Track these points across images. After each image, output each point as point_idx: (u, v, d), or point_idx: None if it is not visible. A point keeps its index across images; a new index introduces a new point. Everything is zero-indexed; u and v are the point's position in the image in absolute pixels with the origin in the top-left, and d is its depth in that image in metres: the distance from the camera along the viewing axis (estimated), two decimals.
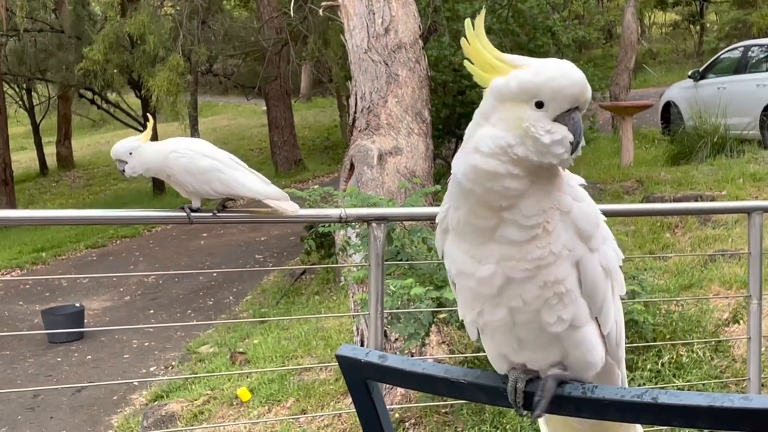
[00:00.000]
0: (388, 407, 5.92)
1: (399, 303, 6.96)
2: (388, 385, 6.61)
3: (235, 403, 9.29)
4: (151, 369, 11.83)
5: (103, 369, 11.92)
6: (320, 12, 12.01)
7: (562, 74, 1.82)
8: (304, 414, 8.37)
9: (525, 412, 1.90)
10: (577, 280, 1.93)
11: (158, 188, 26.19)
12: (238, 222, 4.50)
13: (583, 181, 2.01)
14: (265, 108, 29.04)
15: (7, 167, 25.58)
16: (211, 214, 4.40)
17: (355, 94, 10.04)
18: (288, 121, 27.68)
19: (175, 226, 20.73)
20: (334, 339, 10.39)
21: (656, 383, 7.05)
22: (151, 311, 14.71)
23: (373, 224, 4.35)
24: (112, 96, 30.83)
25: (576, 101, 1.83)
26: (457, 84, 18.85)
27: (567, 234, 1.89)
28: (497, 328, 1.95)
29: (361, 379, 1.76)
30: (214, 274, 16.31)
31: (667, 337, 7.53)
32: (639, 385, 6.97)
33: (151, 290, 16.13)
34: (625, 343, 6.47)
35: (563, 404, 1.83)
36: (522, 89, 1.82)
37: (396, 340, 8.24)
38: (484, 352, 6.01)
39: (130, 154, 4.33)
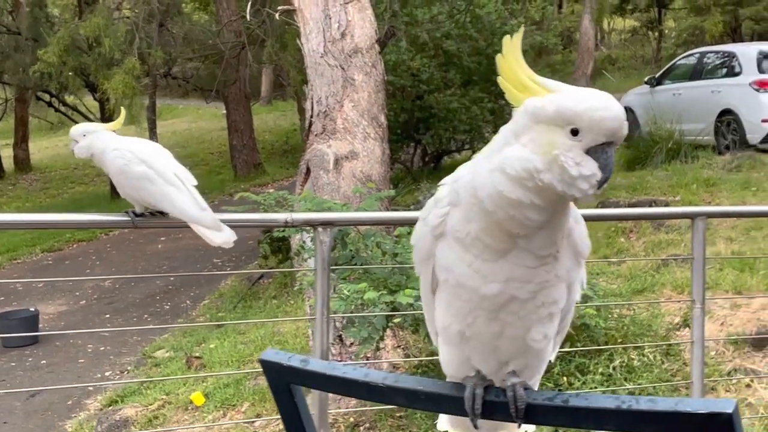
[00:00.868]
0: (342, 411, 5.92)
1: (353, 307, 6.97)
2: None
3: (189, 408, 9.27)
4: (107, 374, 11.77)
5: (58, 374, 11.83)
6: (277, 16, 11.99)
7: (603, 106, 1.75)
8: (259, 418, 8.37)
9: (478, 420, 1.88)
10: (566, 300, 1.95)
11: (116, 192, 25.94)
12: (180, 227, 4.37)
13: None
14: (225, 111, 28.96)
15: None
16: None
17: (312, 99, 10.05)
18: (247, 124, 27.61)
19: (133, 230, 20.62)
20: (290, 343, 10.39)
21: (608, 387, 7.11)
22: (107, 315, 14.62)
23: (320, 229, 4.36)
24: (69, 98, 30.60)
25: (613, 136, 1.76)
26: (416, 89, 18.92)
27: (569, 259, 1.90)
28: (480, 339, 1.93)
29: (284, 384, 1.77)
30: (172, 279, 16.25)
31: (619, 341, 7.60)
32: (591, 389, 7.03)
33: (107, 294, 16.03)
34: (578, 347, 6.48)
35: (491, 410, 1.85)
36: (559, 114, 1.75)
37: (351, 344, 8.26)
38: (437, 355, 6.02)
39: (84, 135, 4.31)
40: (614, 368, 7.38)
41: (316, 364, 1.76)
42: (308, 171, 9.70)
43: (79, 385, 10.92)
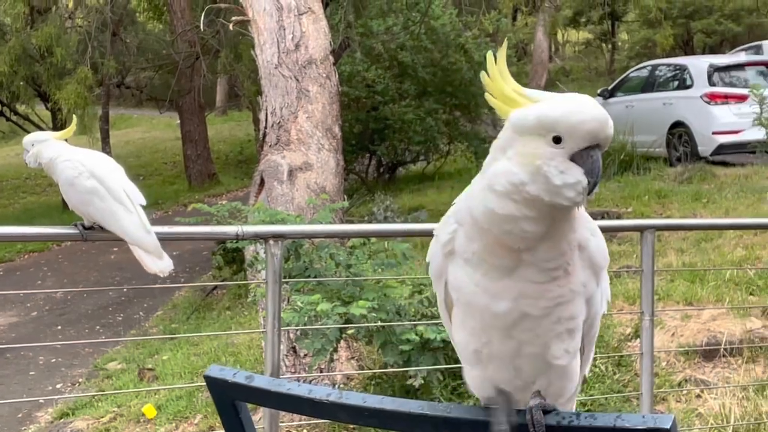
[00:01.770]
0: (296, 423, 5.90)
1: (306, 319, 6.96)
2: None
3: (141, 420, 9.19)
4: (58, 386, 11.63)
5: (8, 386, 11.68)
6: (231, 27, 11.97)
7: (579, 108, 1.75)
8: (212, 430, 8.32)
9: None
10: (585, 315, 1.92)
11: None
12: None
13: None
14: (179, 121, 28.80)
15: None
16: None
17: (266, 110, 10.03)
18: (202, 134, 27.47)
19: (85, 241, 20.42)
20: (244, 355, 10.34)
21: None
22: (59, 327, 14.46)
23: (270, 241, 4.35)
24: (21, 108, 30.27)
25: (595, 138, 1.75)
26: (371, 100, 18.97)
27: (584, 272, 1.88)
28: (499, 358, 1.91)
29: (229, 400, 1.77)
30: (125, 290, 16.10)
31: None
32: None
33: (59, 306, 15.86)
34: None
35: None
36: (539, 123, 1.75)
37: (305, 356, 8.25)
38: (392, 367, 5.98)
39: (33, 144, 4.27)
40: None
41: (260, 381, 1.76)
42: (262, 182, 9.68)
43: (30, 399, 10.78)
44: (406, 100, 19.47)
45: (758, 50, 27.99)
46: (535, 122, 1.75)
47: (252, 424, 1.83)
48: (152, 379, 10.51)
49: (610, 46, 45.45)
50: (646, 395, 5.16)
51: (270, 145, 9.81)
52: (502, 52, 1.86)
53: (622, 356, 7.81)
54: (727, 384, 7.32)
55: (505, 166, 1.76)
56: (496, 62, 1.85)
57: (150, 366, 11.07)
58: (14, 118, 30.45)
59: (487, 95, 1.86)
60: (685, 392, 7.30)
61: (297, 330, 7.37)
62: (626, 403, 7.24)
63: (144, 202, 4.32)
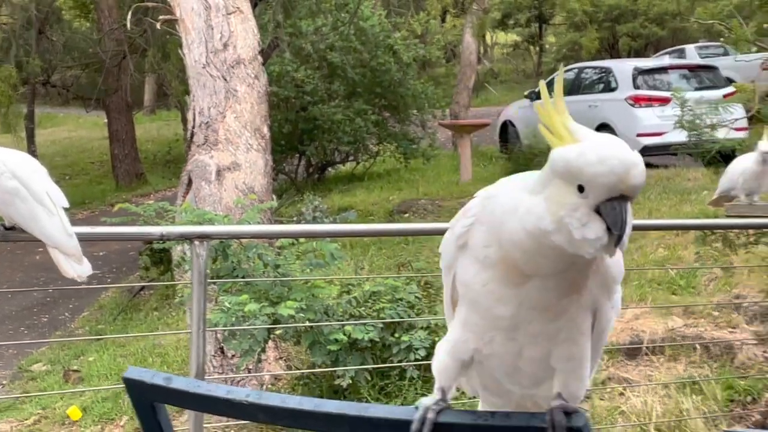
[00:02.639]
0: (213, 424, 5.86)
1: (234, 319, 6.95)
2: None
3: (67, 423, 9.08)
4: None
5: None
6: (158, 26, 11.87)
7: (599, 159, 1.65)
8: None
9: None
10: (592, 324, 1.88)
11: None
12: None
13: None
14: (106, 120, 28.44)
15: None
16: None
17: (194, 109, 9.98)
18: (129, 134, 27.13)
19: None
20: (171, 356, 10.27)
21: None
22: None
23: (196, 242, 4.33)
24: None
25: (615, 191, 1.65)
26: (300, 100, 18.94)
27: (596, 287, 1.83)
28: (499, 358, 1.88)
29: (148, 402, 1.77)
30: (50, 290, 15.86)
31: None
32: (469, 398, 7.11)
33: None
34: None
35: None
36: (566, 170, 1.68)
37: (233, 356, 8.23)
38: (320, 367, 5.97)
39: None
40: None
41: (179, 382, 1.76)
42: (190, 182, 9.63)
43: None
44: (336, 101, 19.49)
45: (682, 54, 28.51)
46: (562, 168, 1.69)
47: (170, 426, 1.83)
48: (78, 380, 10.38)
49: (537, 48, 45.94)
50: None
51: (198, 145, 9.76)
52: (559, 83, 1.77)
53: None
54: (650, 382, 7.45)
55: (538, 207, 1.70)
56: (552, 93, 1.79)
57: (76, 367, 10.93)
58: None
59: (540, 127, 1.79)
60: (609, 390, 7.41)
61: (225, 331, 7.35)
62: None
63: (66, 205, 4.23)
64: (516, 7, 41.62)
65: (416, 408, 1.85)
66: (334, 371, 7.32)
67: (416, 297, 7.88)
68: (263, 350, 7.54)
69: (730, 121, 8.53)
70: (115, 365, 10.58)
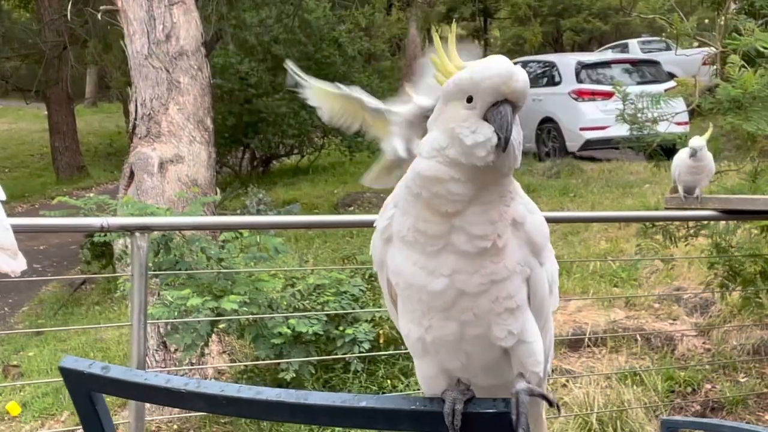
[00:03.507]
0: (167, 417, 5.82)
1: (176, 313, 6.89)
2: None
3: (6, 418, 8.95)
4: None
5: None
6: (99, 16, 11.72)
7: (485, 66, 1.79)
8: (79, 427, 8.15)
9: None
10: (527, 294, 1.90)
11: None
12: None
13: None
14: (46, 112, 28.04)
15: None
16: None
17: (136, 101, 9.87)
18: (70, 126, 26.76)
19: None
20: (113, 350, 10.17)
21: None
22: None
23: (137, 234, 4.28)
24: None
25: (500, 93, 1.77)
26: (244, 93, 18.83)
27: (521, 250, 1.85)
28: (444, 344, 1.88)
29: (85, 391, 1.74)
30: None
31: None
32: (415, 391, 7.13)
33: None
34: (402, 349, 6.46)
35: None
36: (456, 86, 1.81)
37: (176, 350, 8.16)
38: (263, 360, 5.94)
39: None
40: None
41: (116, 371, 1.74)
42: (132, 174, 9.53)
43: None
44: (280, 93, 19.41)
45: (625, 48, 28.78)
46: (453, 87, 1.82)
47: (109, 416, 1.80)
48: (18, 375, 10.24)
49: (482, 42, 46.11)
50: None
51: (140, 137, 9.66)
52: (452, 32, 1.92)
53: None
54: (592, 373, 7.51)
55: (432, 135, 1.82)
56: (445, 43, 1.90)
57: (15, 362, 10.78)
58: None
59: (435, 74, 1.90)
60: (551, 381, 7.46)
61: (168, 325, 7.28)
62: None
63: (3, 197, 4.13)
64: (461, 0, 41.73)
65: (441, 400, 1.89)
66: (278, 364, 7.29)
67: (360, 290, 7.87)
68: (206, 344, 7.49)
69: (671, 115, 8.59)
70: (55, 360, 10.43)
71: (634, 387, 7.21)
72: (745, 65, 6.75)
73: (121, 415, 8.06)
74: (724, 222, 7.10)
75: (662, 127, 9.87)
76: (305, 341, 7.31)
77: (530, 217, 1.90)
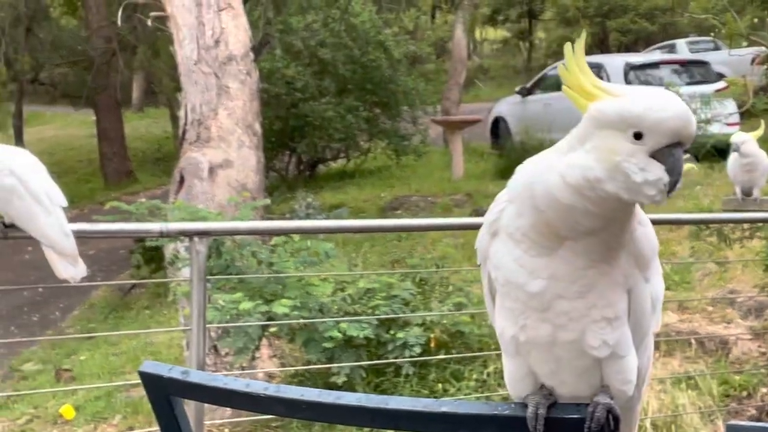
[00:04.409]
0: (218, 421, 5.85)
1: (228, 317, 6.92)
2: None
3: (59, 422, 9.04)
4: None
5: None
6: (149, 22, 11.82)
7: (663, 105, 1.71)
8: (132, 431, 8.22)
9: None
10: (627, 307, 1.86)
11: None
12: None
13: None
14: (94, 118, 28.32)
15: None
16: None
17: (185, 106, 9.95)
18: (118, 132, 27.03)
19: None
20: (163, 354, 10.24)
21: (482, 393, 7.20)
22: None
23: (195, 239, 4.30)
24: None
25: (678, 136, 1.70)
26: (291, 97, 18.90)
27: (627, 262, 1.82)
28: (536, 345, 1.86)
29: (164, 396, 1.75)
30: (40, 289, 15.78)
31: (493, 347, 7.69)
32: (465, 395, 7.12)
33: None
34: (453, 354, 6.45)
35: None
36: (620, 117, 1.71)
37: (226, 354, 8.19)
38: (314, 364, 5.94)
39: None
40: (488, 374, 7.47)
41: (196, 376, 1.75)
42: (182, 179, 9.58)
43: None
44: (327, 97, 19.45)
45: (672, 49, 28.50)
46: (615, 117, 1.73)
47: (187, 419, 1.81)
48: (70, 379, 10.34)
49: (527, 44, 45.96)
50: None
51: (190, 143, 9.73)
52: (581, 44, 1.84)
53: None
54: None
55: (583, 159, 1.73)
56: (573, 54, 1.84)
57: (67, 367, 10.89)
58: None
59: (564, 88, 1.84)
60: None
61: (218, 329, 7.32)
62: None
63: (65, 204, 4.17)
64: (506, 2, 41.66)
65: (523, 405, 1.87)
66: (329, 368, 7.30)
67: (411, 294, 7.86)
68: (257, 348, 7.52)
69: (723, 116, 8.52)
70: (107, 364, 10.55)
71: (689, 391, 7.14)
72: None
73: None
74: None
75: (714, 128, 9.83)
76: (356, 345, 7.31)
77: (640, 229, 1.86)
